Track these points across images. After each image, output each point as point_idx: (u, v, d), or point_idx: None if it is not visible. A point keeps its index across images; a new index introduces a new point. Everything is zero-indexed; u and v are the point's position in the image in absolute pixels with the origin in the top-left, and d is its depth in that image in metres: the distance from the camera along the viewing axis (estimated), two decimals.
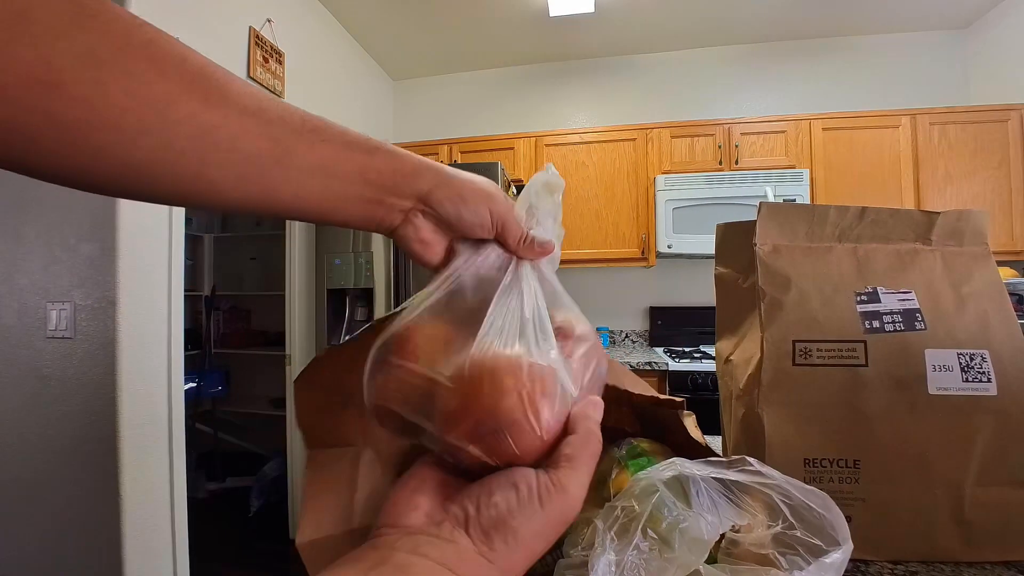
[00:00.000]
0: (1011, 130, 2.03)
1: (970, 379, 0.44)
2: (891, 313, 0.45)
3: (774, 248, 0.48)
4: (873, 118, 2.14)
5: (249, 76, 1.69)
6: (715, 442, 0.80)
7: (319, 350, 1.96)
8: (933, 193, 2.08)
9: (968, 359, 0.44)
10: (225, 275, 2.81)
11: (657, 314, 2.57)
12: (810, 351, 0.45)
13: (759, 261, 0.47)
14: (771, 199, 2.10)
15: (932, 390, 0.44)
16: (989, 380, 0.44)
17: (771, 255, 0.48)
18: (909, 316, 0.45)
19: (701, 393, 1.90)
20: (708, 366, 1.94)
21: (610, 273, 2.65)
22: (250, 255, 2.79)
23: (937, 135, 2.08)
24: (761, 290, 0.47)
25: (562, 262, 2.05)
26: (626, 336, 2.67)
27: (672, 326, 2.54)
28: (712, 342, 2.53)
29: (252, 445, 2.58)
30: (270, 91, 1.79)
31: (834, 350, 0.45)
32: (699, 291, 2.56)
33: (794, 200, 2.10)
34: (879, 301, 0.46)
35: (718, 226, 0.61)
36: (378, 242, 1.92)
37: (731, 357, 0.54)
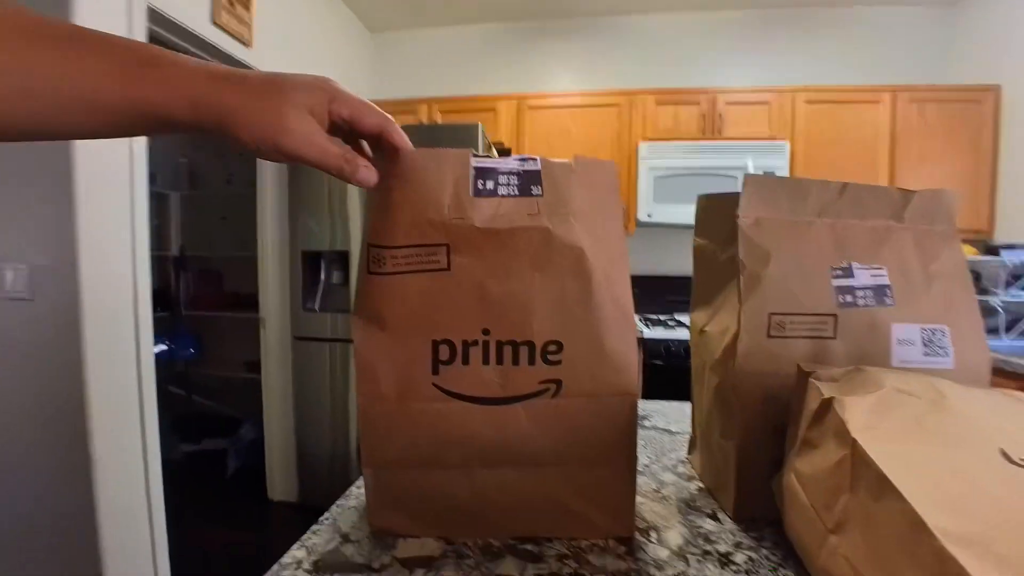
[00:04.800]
0: (984, 111, 2.07)
1: (930, 353, 0.46)
2: (864, 288, 0.47)
3: (756, 221, 0.48)
4: (856, 93, 2.15)
5: (213, 22, 1.57)
6: (685, 407, 0.83)
7: (294, 314, 1.92)
8: (907, 172, 2.13)
9: (930, 334, 0.46)
10: (194, 235, 2.69)
11: (634, 282, 2.59)
12: (784, 324, 0.47)
13: (741, 234, 0.48)
14: (751, 171, 2.11)
15: (894, 363, 0.46)
16: (947, 355, 0.46)
17: (753, 228, 0.48)
18: (880, 292, 0.47)
19: (674, 360, 1.96)
20: (682, 334, 1.99)
21: None
22: (220, 214, 2.67)
23: (915, 113, 2.11)
24: (741, 263, 0.47)
25: None
26: None
27: (649, 294, 2.58)
28: (687, 311, 2.59)
29: (227, 408, 2.56)
30: (236, 38, 1.67)
31: (806, 323, 0.46)
32: (677, 261, 2.60)
33: (774, 173, 2.12)
34: (853, 276, 0.47)
35: (699, 197, 0.61)
36: (354, 203, 1.86)
37: (706, 328, 0.55)
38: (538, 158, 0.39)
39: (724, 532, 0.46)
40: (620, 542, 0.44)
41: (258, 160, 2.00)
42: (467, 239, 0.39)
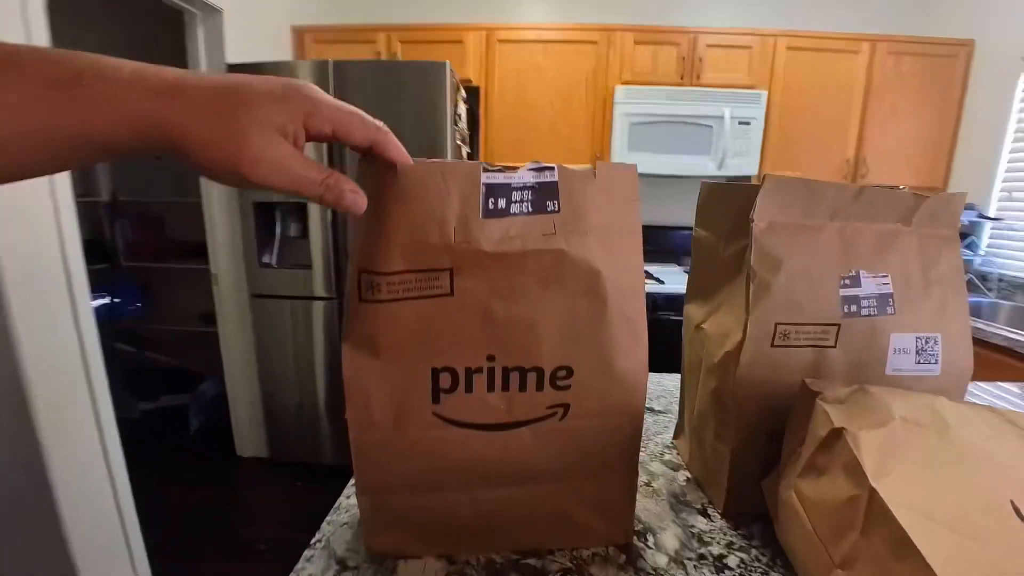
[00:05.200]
0: (957, 66, 2.08)
1: (921, 361, 0.47)
2: (868, 297, 0.46)
3: (770, 225, 0.46)
4: (837, 41, 2.09)
5: None
6: (664, 380, 0.85)
7: (249, 270, 1.80)
8: (876, 124, 2.14)
9: (924, 342, 0.47)
10: (128, 178, 2.40)
11: None
12: (789, 334, 0.46)
13: (754, 240, 0.45)
14: (727, 120, 2.07)
15: (888, 371, 0.47)
16: (936, 363, 0.47)
17: (766, 233, 0.45)
18: (883, 300, 0.46)
19: None
20: (649, 287, 2.01)
21: None
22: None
23: (892, 65, 2.09)
24: (752, 271, 0.45)
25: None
26: None
27: None
28: (654, 262, 2.64)
29: (184, 363, 2.44)
30: None
31: (811, 333, 0.46)
32: (646, 211, 2.59)
33: (749, 123, 2.09)
34: (860, 285, 0.46)
35: (703, 185, 0.58)
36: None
37: (703, 325, 0.54)
38: (555, 167, 0.34)
39: (715, 531, 0.48)
40: (620, 550, 0.45)
41: None
42: (474, 263, 0.34)
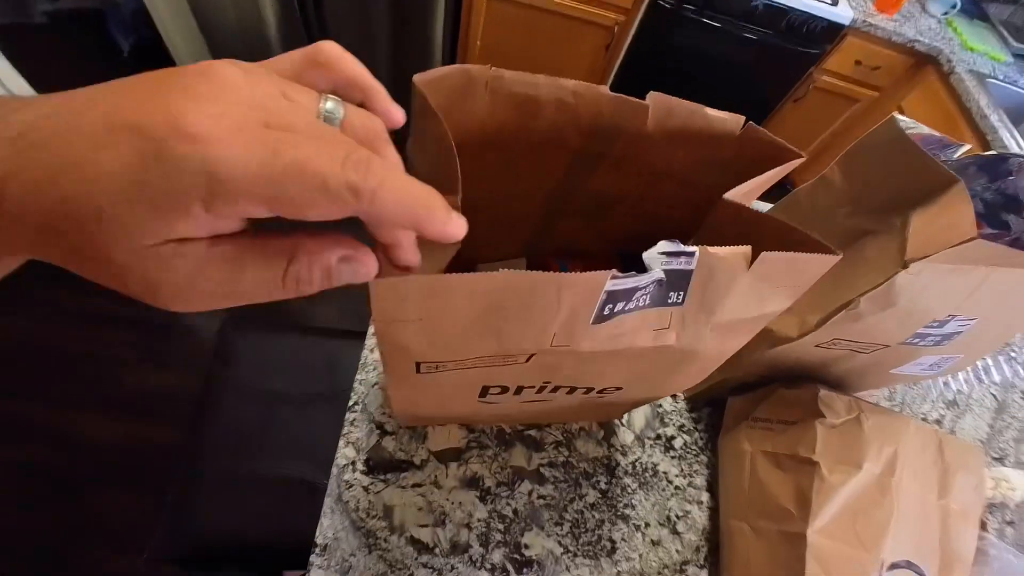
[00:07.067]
0: None
1: (924, 371, 0.50)
2: (938, 335, 0.44)
3: (920, 271, 0.36)
4: None
5: None
6: None
7: None
8: None
9: (942, 360, 0.49)
10: None
11: None
12: (839, 344, 0.45)
13: (892, 283, 0.37)
14: None
15: (892, 371, 0.50)
16: (936, 371, 0.51)
17: (910, 278, 0.37)
18: (947, 338, 0.45)
19: (661, 45, 1.57)
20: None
21: None
22: None
23: None
24: (858, 300, 0.39)
25: None
26: None
27: None
28: None
29: None
30: None
31: (858, 346, 0.45)
32: None
33: None
34: (944, 327, 0.43)
35: (893, 120, 0.40)
36: None
37: None
38: (697, 252, 0.23)
39: (675, 412, 0.60)
40: (600, 424, 0.57)
41: None
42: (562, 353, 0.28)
